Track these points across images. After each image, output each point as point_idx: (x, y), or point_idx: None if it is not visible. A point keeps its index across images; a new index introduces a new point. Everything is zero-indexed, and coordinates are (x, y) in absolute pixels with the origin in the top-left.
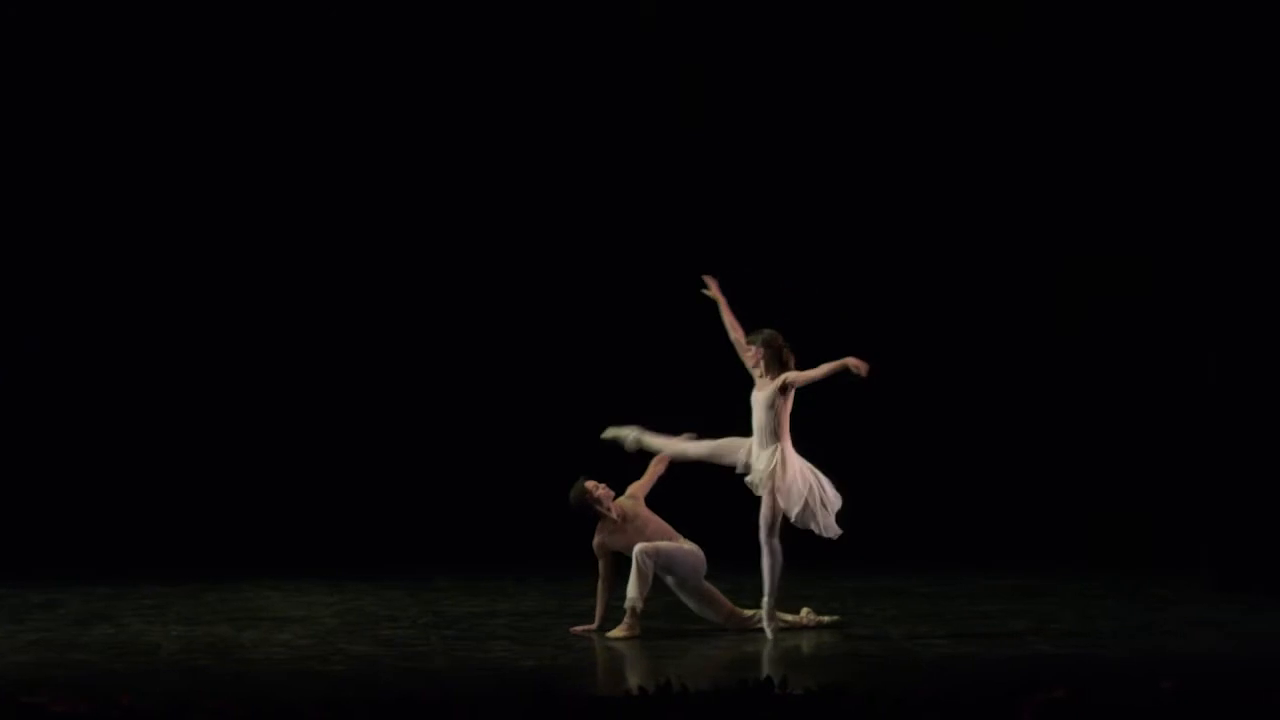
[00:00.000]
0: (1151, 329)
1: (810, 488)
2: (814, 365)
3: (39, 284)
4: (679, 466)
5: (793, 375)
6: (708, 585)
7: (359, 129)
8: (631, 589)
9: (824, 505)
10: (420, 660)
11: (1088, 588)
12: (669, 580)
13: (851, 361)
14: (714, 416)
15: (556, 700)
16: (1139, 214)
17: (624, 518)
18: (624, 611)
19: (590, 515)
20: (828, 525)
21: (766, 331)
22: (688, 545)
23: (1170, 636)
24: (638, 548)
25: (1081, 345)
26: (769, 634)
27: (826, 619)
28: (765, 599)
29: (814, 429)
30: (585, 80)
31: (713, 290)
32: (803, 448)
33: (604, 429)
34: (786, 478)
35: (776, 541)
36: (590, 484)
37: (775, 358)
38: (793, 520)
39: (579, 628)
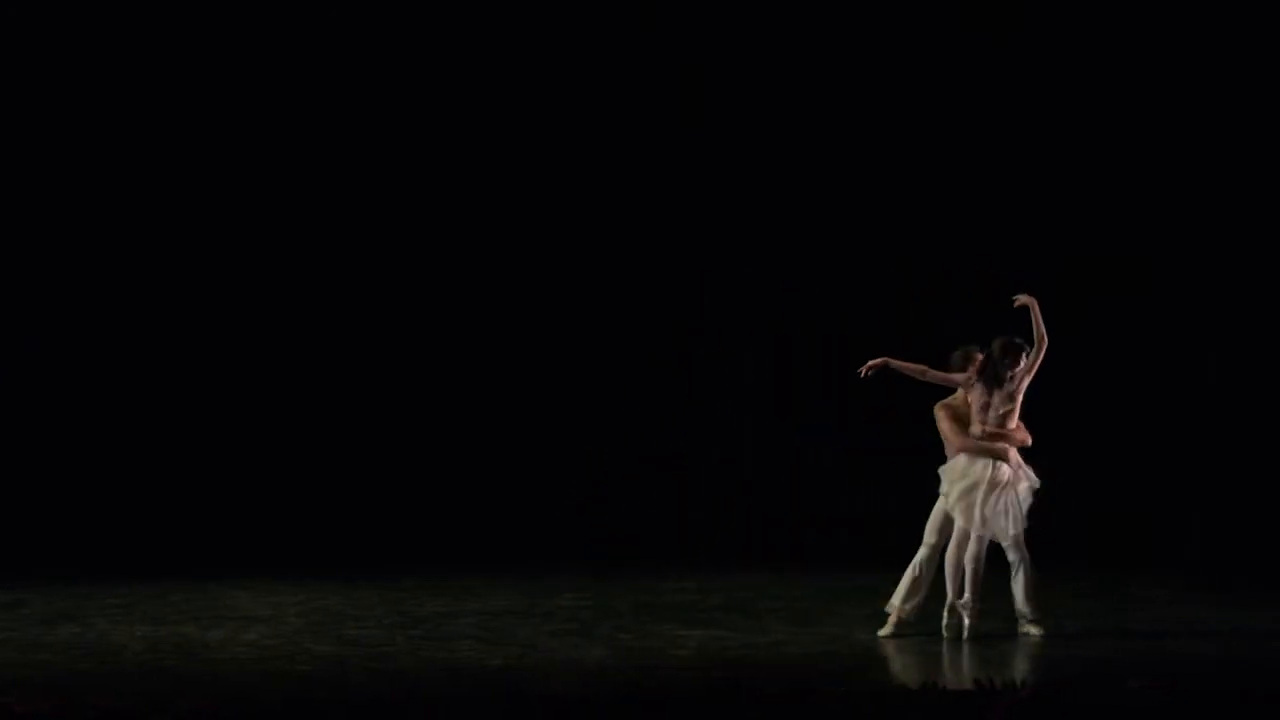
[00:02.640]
0: (1151, 329)
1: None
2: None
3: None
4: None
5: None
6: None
7: (358, 130)
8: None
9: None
10: (387, 660)
11: (1060, 586)
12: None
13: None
14: (690, 419)
15: (527, 700)
16: (1139, 214)
17: (959, 395)
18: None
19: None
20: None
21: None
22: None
23: (1140, 636)
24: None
25: (1081, 345)
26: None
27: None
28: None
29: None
30: (585, 80)
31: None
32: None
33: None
34: None
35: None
36: (978, 356)
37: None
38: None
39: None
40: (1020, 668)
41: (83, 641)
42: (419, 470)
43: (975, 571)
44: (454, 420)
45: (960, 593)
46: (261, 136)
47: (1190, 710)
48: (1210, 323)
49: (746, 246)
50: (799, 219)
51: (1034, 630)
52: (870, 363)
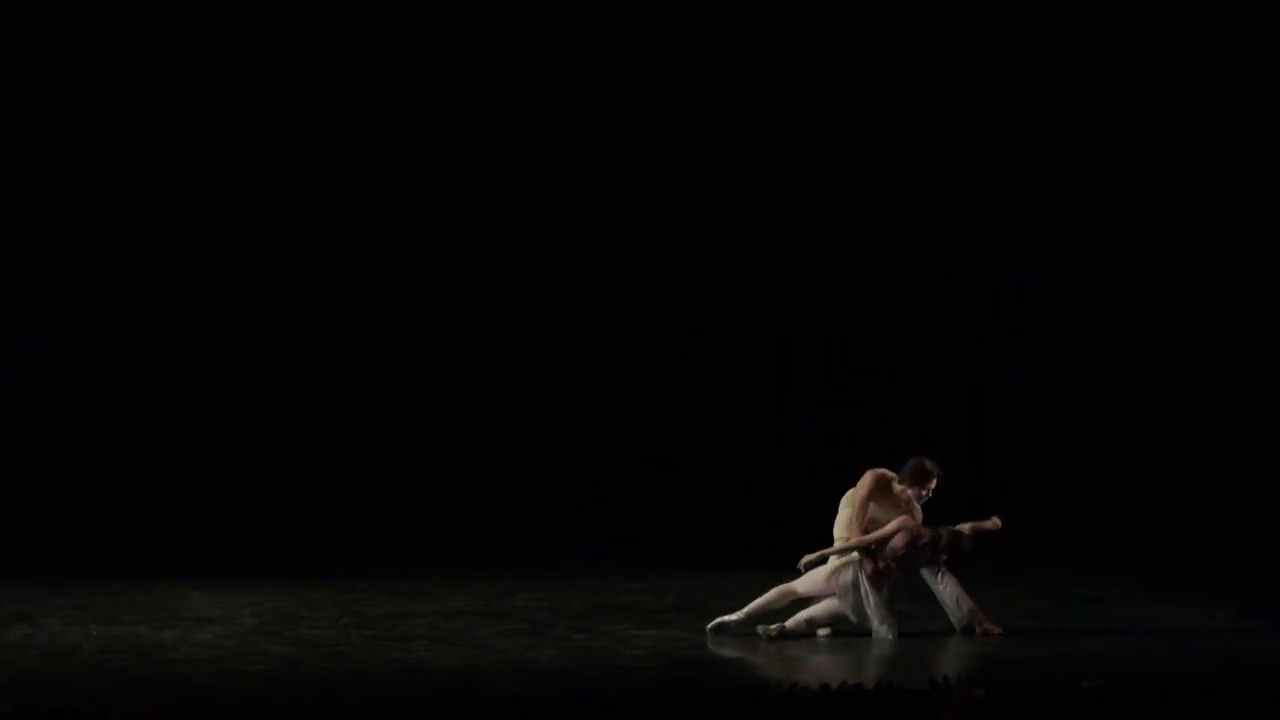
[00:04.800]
0: (1152, 329)
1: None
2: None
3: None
4: None
5: None
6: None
7: (358, 130)
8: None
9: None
10: (342, 661)
11: (1009, 586)
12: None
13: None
14: (690, 419)
15: (484, 700)
16: (1139, 214)
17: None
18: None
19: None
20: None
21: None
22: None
23: (1091, 636)
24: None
25: (1082, 345)
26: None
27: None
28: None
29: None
30: (585, 80)
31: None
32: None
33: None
34: None
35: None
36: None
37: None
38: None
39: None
40: (974, 667)
41: (35, 642)
42: (374, 472)
43: (767, 603)
44: (403, 424)
45: (753, 620)
46: (261, 137)
47: (1140, 710)
48: (1210, 323)
49: (746, 246)
50: (798, 219)
51: (991, 629)
52: (807, 559)
